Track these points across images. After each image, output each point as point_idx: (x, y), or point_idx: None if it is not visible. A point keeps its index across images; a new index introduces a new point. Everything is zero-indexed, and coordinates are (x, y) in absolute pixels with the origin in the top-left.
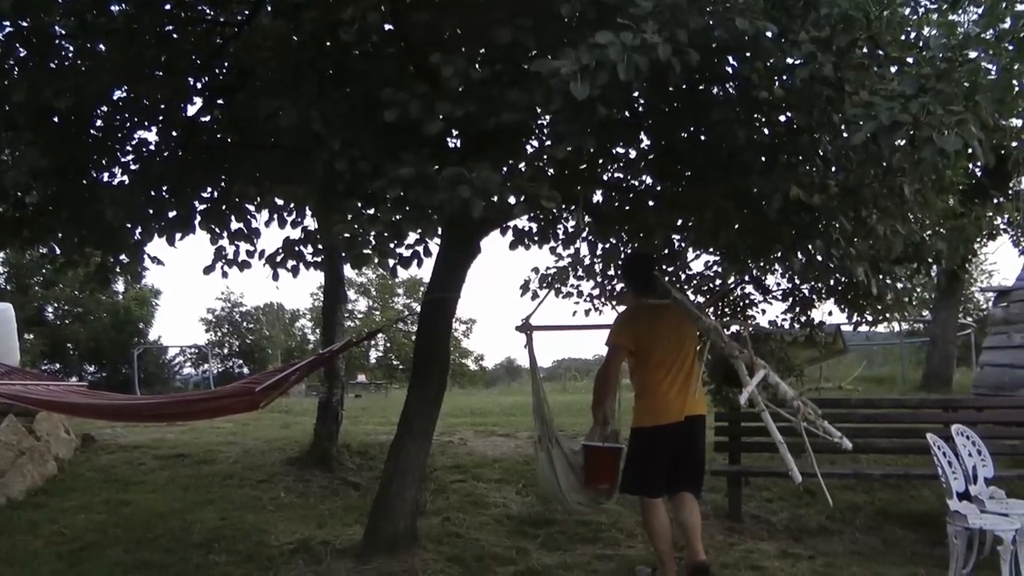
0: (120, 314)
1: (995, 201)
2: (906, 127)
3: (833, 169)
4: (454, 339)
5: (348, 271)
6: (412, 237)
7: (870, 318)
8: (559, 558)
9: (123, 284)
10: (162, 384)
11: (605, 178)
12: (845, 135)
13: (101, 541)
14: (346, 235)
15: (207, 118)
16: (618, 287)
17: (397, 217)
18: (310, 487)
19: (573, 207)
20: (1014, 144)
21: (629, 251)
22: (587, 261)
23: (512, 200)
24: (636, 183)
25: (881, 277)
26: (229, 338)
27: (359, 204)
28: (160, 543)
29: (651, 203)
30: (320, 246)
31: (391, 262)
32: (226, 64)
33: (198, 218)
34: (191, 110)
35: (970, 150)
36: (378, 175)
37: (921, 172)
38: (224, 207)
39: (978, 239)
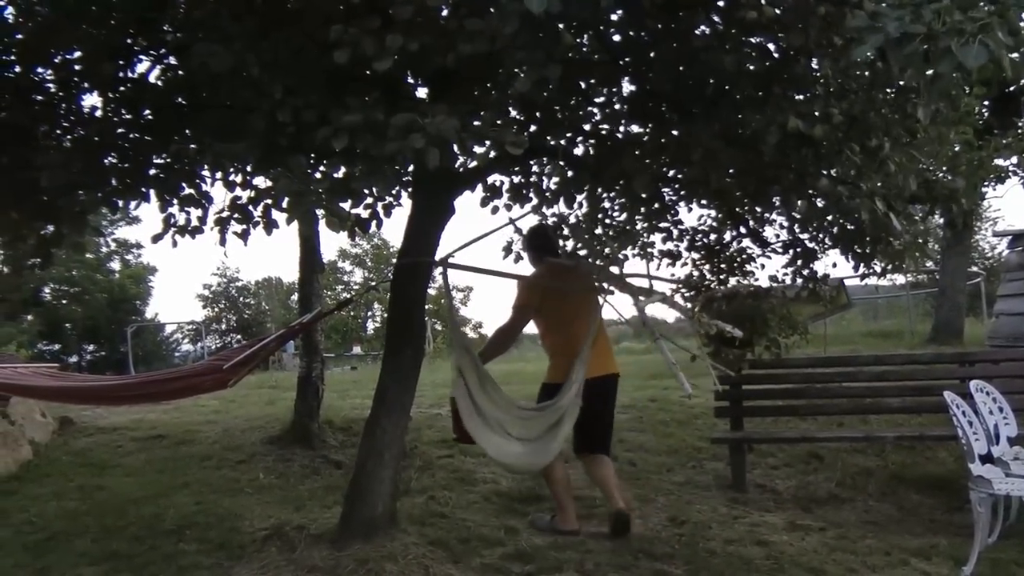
0: (116, 292)
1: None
2: (919, 39)
3: (836, 97)
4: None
5: (343, 241)
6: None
7: (879, 268)
8: (551, 538)
9: (119, 262)
10: (160, 361)
11: (587, 128)
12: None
13: (70, 530)
14: (293, 192)
15: (156, 79)
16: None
17: (344, 172)
18: (290, 467)
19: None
20: None
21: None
22: (572, 219)
23: (476, 149)
24: (617, 131)
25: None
26: (226, 313)
27: (304, 160)
28: (130, 531)
29: (635, 152)
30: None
31: (348, 223)
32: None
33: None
34: (139, 69)
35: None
36: (324, 125)
37: (937, 91)
38: (174, 172)
39: (991, 177)
